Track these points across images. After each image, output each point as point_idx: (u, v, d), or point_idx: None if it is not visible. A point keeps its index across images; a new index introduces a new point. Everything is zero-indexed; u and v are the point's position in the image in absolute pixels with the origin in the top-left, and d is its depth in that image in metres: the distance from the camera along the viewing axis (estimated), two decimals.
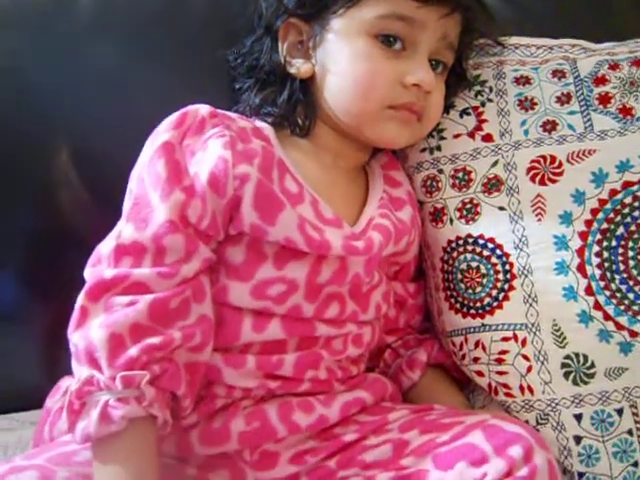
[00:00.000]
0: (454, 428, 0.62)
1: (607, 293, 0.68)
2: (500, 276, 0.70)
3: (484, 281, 0.71)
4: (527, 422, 0.68)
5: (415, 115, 0.69)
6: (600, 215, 0.69)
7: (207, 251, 0.61)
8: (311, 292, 0.65)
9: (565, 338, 0.67)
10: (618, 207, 0.69)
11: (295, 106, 0.70)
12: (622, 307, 0.67)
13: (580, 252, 0.69)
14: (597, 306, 0.68)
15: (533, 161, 0.71)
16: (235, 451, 0.63)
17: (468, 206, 0.73)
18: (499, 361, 0.70)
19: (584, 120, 0.72)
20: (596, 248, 0.69)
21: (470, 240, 0.72)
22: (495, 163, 0.73)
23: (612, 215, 0.69)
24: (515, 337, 0.69)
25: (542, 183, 0.71)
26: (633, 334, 0.67)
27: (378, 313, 0.71)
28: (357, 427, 0.67)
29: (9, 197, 0.80)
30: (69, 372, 0.58)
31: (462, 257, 0.72)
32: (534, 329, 0.68)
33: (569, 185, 0.70)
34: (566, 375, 0.67)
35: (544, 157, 0.71)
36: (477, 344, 0.71)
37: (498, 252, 0.71)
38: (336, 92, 0.69)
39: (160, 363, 0.56)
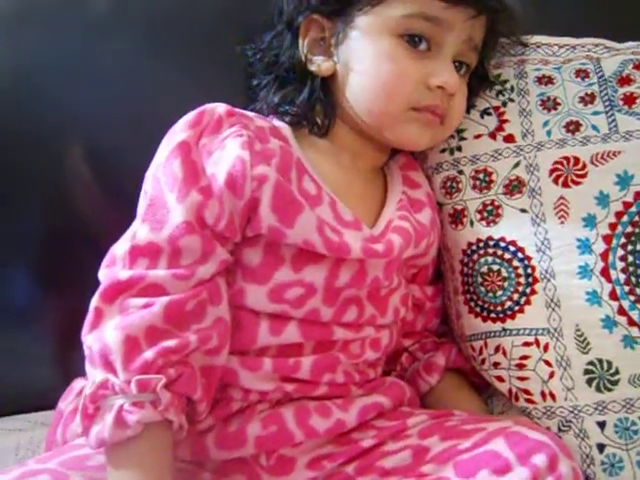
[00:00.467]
0: (476, 435, 0.61)
1: (632, 298, 0.66)
2: (522, 280, 0.69)
3: (505, 284, 0.70)
4: (549, 429, 0.66)
5: (438, 118, 0.68)
6: (625, 218, 0.67)
7: (224, 253, 0.60)
8: (329, 296, 0.64)
9: (589, 343, 0.66)
10: None
11: (314, 105, 0.69)
12: None
13: (604, 256, 0.67)
14: (621, 311, 0.66)
15: (556, 162, 0.70)
16: (251, 456, 0.62)
17: (489, 208, 0.72)
18: (520, 366, 0.68)
19: (608, 121, 0.71)
20: (620, 252, 0.67)
21: (491, 243, 0.71)
22: (517, 164, 0.71)
23: (637, 218, 0.67)
24: (537, 342, 0.67)
25: (565, 185, 0.69)
26: None
27: (396, 317, 0.70)
28: (375, 432, 0.65)
29: (23, 197, 0.80)
30: (82, 373, 0.57)
31: (482, 260, 0.71)
32: (556, 334, 0.67)
33: (593, 187, 0.69)
34: (589, 381, 0.66)
35: (567, 158, 0.70)
36: (497, 349, 0.70)
37: (520, 255, 0.69)
38: (358, 91, 0.68)
39: (176, 367, 0.55)
